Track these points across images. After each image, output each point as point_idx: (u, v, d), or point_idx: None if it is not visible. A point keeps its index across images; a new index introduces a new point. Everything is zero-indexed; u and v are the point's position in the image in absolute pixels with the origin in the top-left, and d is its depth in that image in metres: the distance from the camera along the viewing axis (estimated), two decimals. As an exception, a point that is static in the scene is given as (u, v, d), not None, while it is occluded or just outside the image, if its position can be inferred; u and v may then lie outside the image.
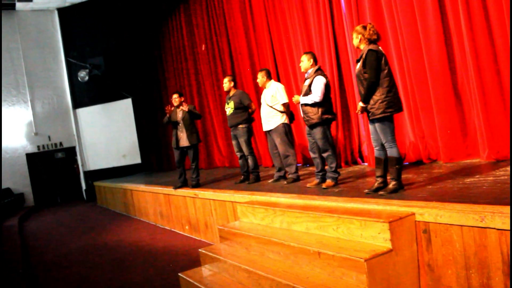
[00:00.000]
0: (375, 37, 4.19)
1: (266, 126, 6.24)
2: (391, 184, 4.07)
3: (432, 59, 5.49)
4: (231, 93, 6.82)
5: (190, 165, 7.45)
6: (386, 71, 4.08)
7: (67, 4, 15.86)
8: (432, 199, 3.47)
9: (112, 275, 5.77)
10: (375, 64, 4.04)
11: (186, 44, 12.25)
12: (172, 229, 8.12)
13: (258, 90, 8.70)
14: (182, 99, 7.41)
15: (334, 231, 3.66)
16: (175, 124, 7.32)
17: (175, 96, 7.41)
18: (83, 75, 15.59)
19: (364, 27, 4.23)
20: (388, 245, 3.16)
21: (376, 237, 3.25)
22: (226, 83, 6.84)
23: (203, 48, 11.14)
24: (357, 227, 3.42)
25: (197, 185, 7.40)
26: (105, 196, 13.39)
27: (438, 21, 5.36)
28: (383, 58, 4.10)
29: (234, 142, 6.93)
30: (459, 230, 2.96)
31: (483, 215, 2.80)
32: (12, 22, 15.68)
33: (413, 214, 3.26)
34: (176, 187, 7.68)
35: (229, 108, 6.73)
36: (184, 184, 7.60)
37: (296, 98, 5.25)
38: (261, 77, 6.29)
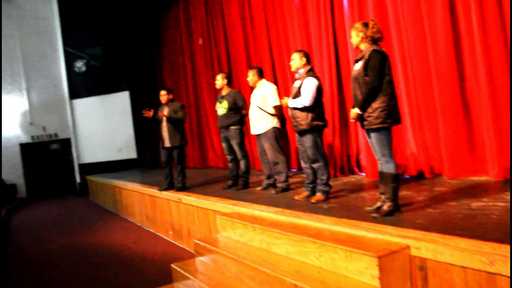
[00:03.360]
0: (378, 35, 3.68)
1: (254, 130, 5.74)
2: (386, 205, 3.56)
3: (439, 63, 4.96)
4: (224, 92, 6.32)
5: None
6: (389, 77, 3.59)
7: (66, -9, 15.41)
8: (432, 228, 2.96)
9: (84, 282, 5.42)
10: (379, 67, 3.53)
11: (183, 38, 11.79)
12: (157, 233, 7.65)
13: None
14: (171, 96, 6.88)
15: (316, 259, 3.16)
16: (160, 122, 6.83)
17: (162, 92, 6.90)
18: (80, 65, 15.11)
19: (366, 24, 3.72)
20: (376, 283, 2.66)
21: (363, 273, 2.75)
22: (219, 80, 6.35)
23: (200, 42, 10.67)
24: (342, 258, 2.92)
25: (182, 189, 6.91)
26: (96, 191, 12.96)
27: (447, 21, 4.83)
28: (387, 62, 3.60)
29: (224, 145, 6.45)
30: (462, 272, 2.46)
31: (493, 258, 2.30)
32: (9, 8, 15.22)
33: (408, 247, 2.76)
34: (161, 189, 7.21)
35: (222, 108, 6.24)
36: (170, 186, 7.11)
37: (285, 100, 4.75)
38: (251, 76, 5.79)
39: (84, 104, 15.78)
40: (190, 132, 11.96)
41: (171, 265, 4.46)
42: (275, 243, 3.68)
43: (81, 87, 15.67)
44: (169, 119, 6.65)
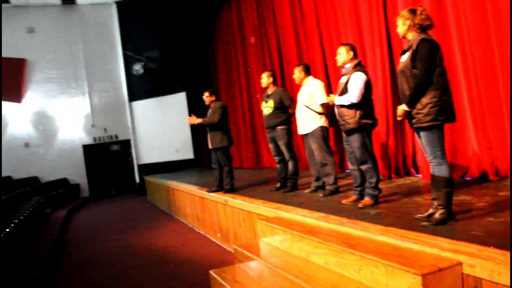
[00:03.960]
0: (428, 23, 3.29)
1: (301, 129, 5.45)
2: (438, 213, 3.16)
3: (504, 53, 4.41)
4: (270, 91, 6.11)
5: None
6: (440, 69, 3.18)
7: (125, -2, 15.85)
8: (490, 242, 2.56)
9: (125, 284, 5.42)
10: (429, 58, 3.14)
11: (236, 37, 11.70)
12: (206, 235, 7.55)
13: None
14: (213, 97, 6.74)
15: (355, 272, 2.85)
16: None
17: (205, 94, 6.78)
18: (138, 68, 15.51)
19: (413, 11, 3.34)
20: (421, 305, 2.32)
21: (406, 292, 2.42)
22: (265, 79, 6.14)
23: (252, 41, 10.51)
24: (383, 273, 2.59)
25: (230, 190, 6.75)
26: (153, 192, 13.16)
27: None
28: (439, 52, 3.20)
29: (271, 146, 6.24)
30: (523, 297, 2.07)
31: (562, 283, 1.90)
32: (72, 15, 15.85)
33: (460, 264, 2.39)
34: (210, 191, 7.08)
35: (267, 108, 6.02)
36: (219, 188, 6.97)
37: (331, 97, 4.43)
38: (297, 73, 5.51)
39: (142, 106, 16.15)
40: (244, 132, 11.85)
41: (210, 271, 4.28)
42: (314, 252, 3.39)
43: (139, 89, 16.07)
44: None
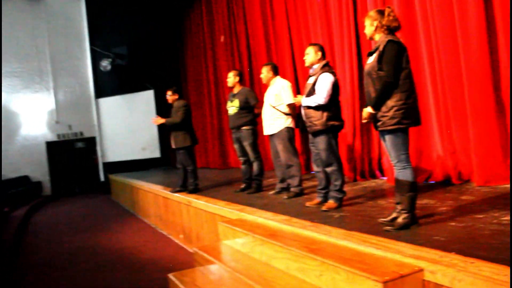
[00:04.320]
0: (395, 24, 3.23)
1: (267, 130, 5.36)
2: (401, 218, 3.11)
3: (470, 58, 4.42)
4: (236, 90, 6.00)
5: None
6: (407, 71, 3.13)
7: (94, -8, 15.42)
8: (452, 247, 2.51)
9: (82, 285, 5.26)
10: (395, 60, 3.09)
11: (206, 36, 11.55)
12: (169, 236, 7.36)
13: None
14: (176, 96, 6.60)
15: (316, 278, 2.76)
16: None
17: (168, 93, 6.64)
18: (105, 64, 15.10)
19: (381, 12, 3.27)
20: (381, 313, 2.24)
21: (367, 299, 2.34)
22: (231, 78, 6.03)
23: (221, 40, 10.38)
24: (343, 279, 2.50)
25: (194, 191, 6.59)
26: (117, 190, 12.85)
27: (480, 10, 4.30)
28: (405, 55, 3.15)
29: (236, 146, 6.13)
30: (485, 305, 2.02)
31: (523, 292, 1.85)
32: (38, 9, 15.34)
33: (421, 270, 2.32)
34: (174, 191, 6.91)
35: (233, 107, 5.90)
36: (183, 188, 6.80)
37: (298, 98, 4.35)
38: (265, 72, 5.41)
39: (109, 103, 15.75)
40: (212, 131, 11.70)
41: (168, 275, 4.13)
42: (275, 257, 3.29)
43: (106, 86, 15.65)
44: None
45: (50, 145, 15.55)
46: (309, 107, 4.19)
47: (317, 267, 2.75)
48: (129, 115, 15.44)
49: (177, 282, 3.82)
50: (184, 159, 6.52)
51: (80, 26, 15.82)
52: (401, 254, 2.50)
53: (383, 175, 5.95)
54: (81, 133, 15.88)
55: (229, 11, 10.17)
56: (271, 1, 8.27)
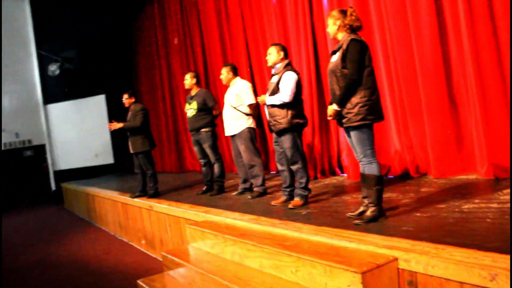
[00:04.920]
0: (357, 24, 3.32)
1: (229, 131, 5.36)
2: (369, 211, 3.20)
3: (424, 55, 4.63)
4: (193, 92, 5.97)
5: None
6: (370, 69, 3.23)
7: (38, -8, 14.82)
8: (421, 236, 2.61)
9: None
10: (359, 58, 3.17)
11: (159, 38, 11.38)
12: (130, 242, 7.21)
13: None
14: (133, 99, 6.48)
15: (292, 274, 2.79)
16: None
17: (125, 97, 6.50)
18: (53, 68, 14.55)
19: (343, 12, 3.36)
20: (360, 303, 2.30)
21: (345, 290, 2.39)
22: (188, 80, 5.99)
23: (175, 42, 10.27)
24: (321, 273, 2.55)
25: (155, 195, 6.49)
26: (70, 199, 12.43)
27: (432, 10, 4.51)
28: (368, 53, 3.25)
29: (196, 148, 6.09)
30: (458, 288, 2.12)
31: (494, 272, 1.96)
32: (-21, 10, 14.61)
33: (396, 259, 2.40)
34: (133, 196, 6.77)
35: (191, 109, 5.87)
36: (143, 193, 6.68)
37: (262, 98, 4.38)
38: (225, 73, 5.41)
39: (58, 109, 15.17)
40: (167, 135, 11.55)
41: (137, 281, 4.04)
42: (248, 256, 3.30)
43: (55, 91, 15.03)
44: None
45: (-5, 154, 14.83)
46: (273, 106, 4.23)
47: (293, 263, 2.78)
48: (80, 121, 14.94)
49: (147, 287, 3.75)
50: (143, 163, 6.41)
51: (25, 28, 15.13)
52: (375, 245, 2.58)
53: (342, 172, 6.08)
54: (29, 141, 15.23)
55: (182, 12, 10.05)
56: (225, 1, 8.25)
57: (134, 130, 6.29)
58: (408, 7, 4.69)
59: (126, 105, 6.49)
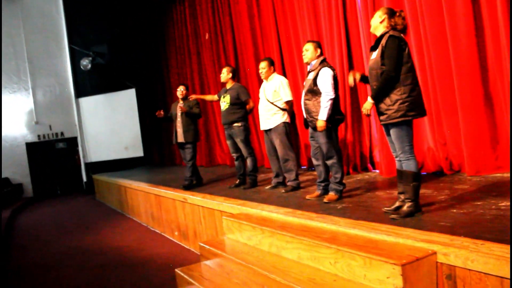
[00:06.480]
0: (401, 26, 3.38)
1: (264, 125, 5.46)
2: (406, 206, 3.27)
3: (459, 52, 4.63)
4: (228, 86, 6.09)
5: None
6: (409, 65, 3.28)
7: (71, -11, 15.17)
8: (460, 231, 2.67)
9: (85, 286, 5.21)
10: (397, 54, 3.23)
11: (189, 33, 11.51)
12: (162, 233, 7.40)
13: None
14: (187, 92, 6.87)
15: (331, 265, 2.89)
16: (175, 118, 6.84)
17: (181, 88, 6.93)
18: (85, 63, 14.90)
19: (393, 12, 3.41)
20: (399, 294, 2.38)
21: (384, 282, 2.47)
22: (224, 73, 6.12)
23: (206, 37, 10.38)
24: (360, 265, 2.64)
25: (189, 187, 6.67)
26: (102, 190, 12.75)
27: (468, 7, 4.51)
28: (407, 49, 3.30)
29: (229, 142, 6.22)
30: (498, 283, 2.17)
31: (535, 268, 2.01)
32: (14, 7, 15.03)
33: (435, 253, 2.47)
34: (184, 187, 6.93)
35: (224, 103, 6.00)
36: (197, 183, 7.04)
37: (320, 123, 4.21)
38: (266, 67, 5.46)
39: (90, 103, 15.55)
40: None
41: (176, 270, 4.20)
42: (285, 248, 3.41)
43: (87, 85, 15.42)
44: (187, 114, 6.65)
45: (30, 146, 15.28)
46: (308, 101, 4.31)
47: (331, 255, 2.88)
48: (111, 114, 15.30)
49: (185, 276, 3.91)
50: (189, 153, 6.74)
51: (58, 24, 15.53)
52: (413, 239, 2.65)
53: (374, 168, 6.12)
54: (62, 133, 15.67)
55: (214, 7, 10.15)
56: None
57: (194, 118, 6.69)
58: (444, 3, 4.69)
59: (181, 96, 6.89)
